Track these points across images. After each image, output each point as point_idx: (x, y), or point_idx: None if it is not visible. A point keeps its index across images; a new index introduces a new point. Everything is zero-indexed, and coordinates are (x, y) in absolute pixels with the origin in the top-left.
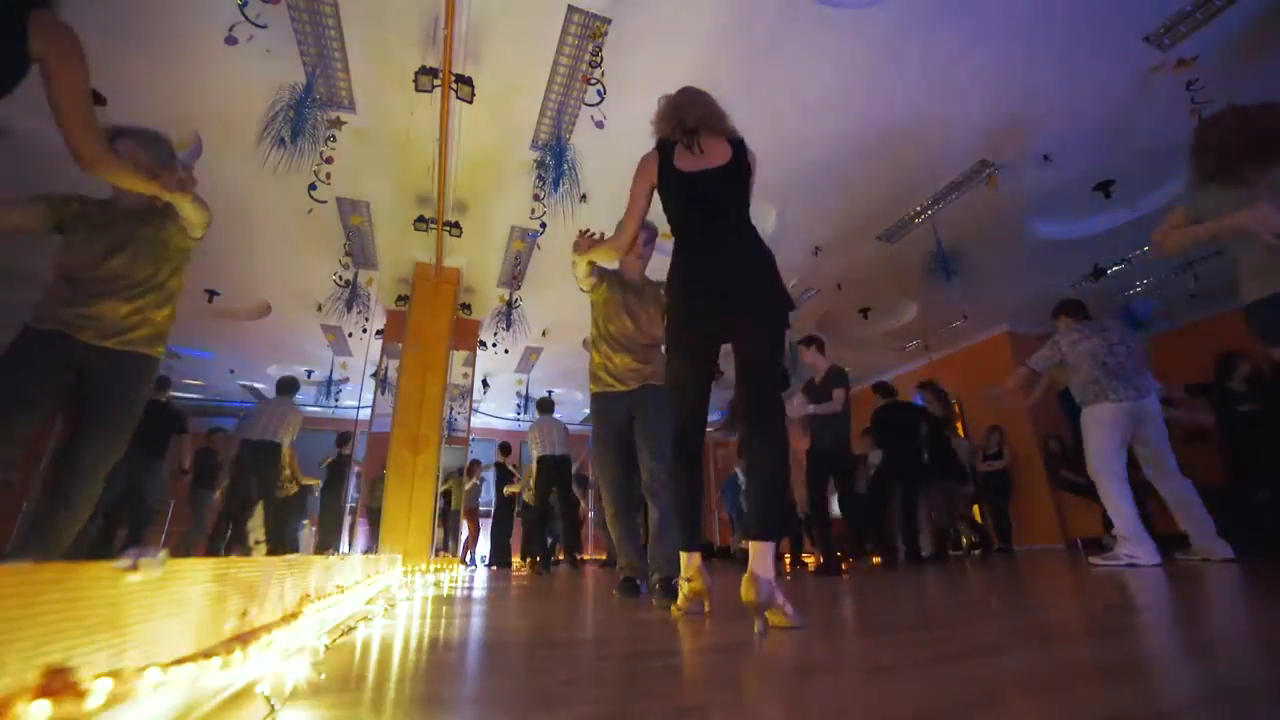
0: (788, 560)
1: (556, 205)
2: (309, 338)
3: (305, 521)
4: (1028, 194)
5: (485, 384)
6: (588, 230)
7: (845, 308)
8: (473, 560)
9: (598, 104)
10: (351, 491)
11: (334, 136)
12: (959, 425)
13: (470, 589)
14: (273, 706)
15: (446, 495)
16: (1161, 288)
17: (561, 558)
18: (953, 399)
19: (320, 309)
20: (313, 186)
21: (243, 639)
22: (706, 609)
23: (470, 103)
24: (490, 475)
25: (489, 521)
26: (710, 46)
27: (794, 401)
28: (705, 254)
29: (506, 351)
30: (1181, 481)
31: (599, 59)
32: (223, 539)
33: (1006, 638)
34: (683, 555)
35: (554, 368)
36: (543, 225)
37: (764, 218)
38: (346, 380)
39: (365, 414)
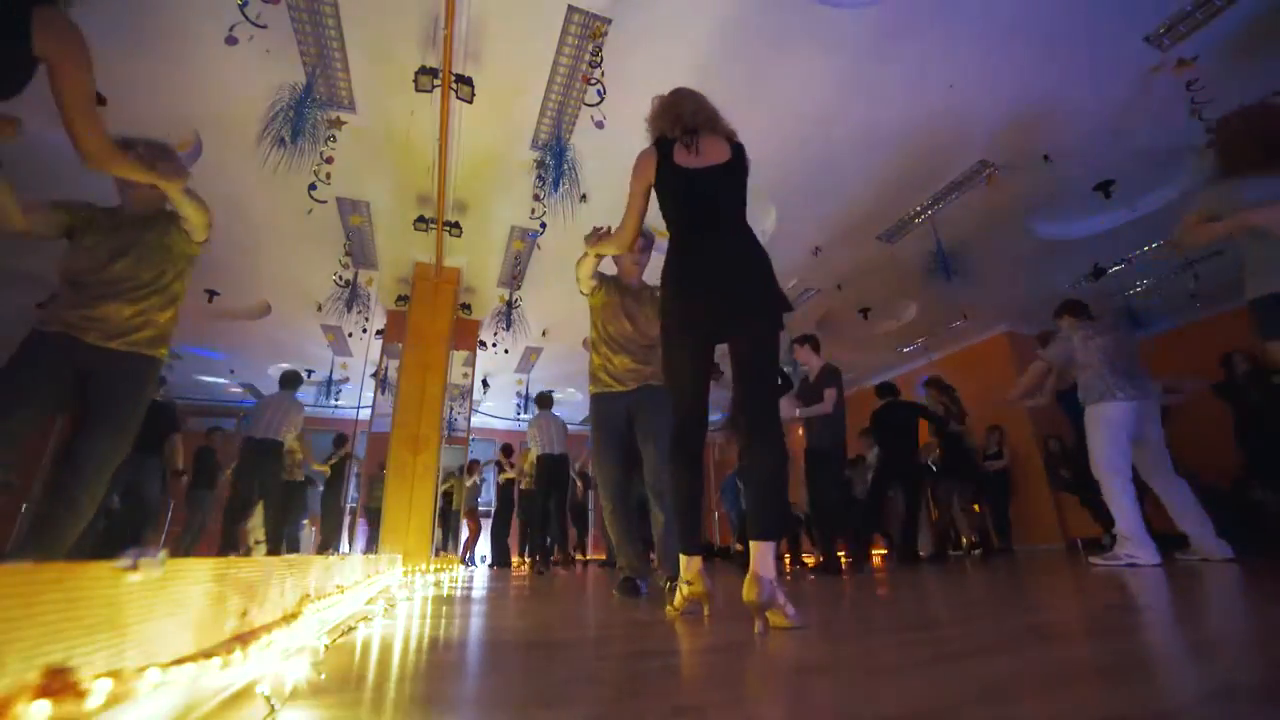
0: (787, 560)
1: (556, 205)
2: (309, 338)
3: (305, 521)
4: (1028, 194)
5: (485, 384)
6: (601, 227)
7: (845, 308)
8: (472, 560)
9: (598, 104)
10: (351, 491)
11: (334, 136)
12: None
13: (470, 589)
14: (273, 706)
15: (448, 495)
16: (1161, 288)
17: (557, 559)
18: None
19: (320, 309)
20: (313, 186)
21: (243, 639)
22: (706, 613)
23: (470, 103)
24: (491, 473)
25: (489, 521)
26: (710, 46)
27: (783, 403)
28: (704, 252)
29: (506, 351)
30: (1177, 482)
31: (599, 59)
32: (226, 538)
33: (1006, 638)
34: (682, 558)
35: (554, 368)
36: (543, 225)
37: (764, 217)
38: (346, 380)
39: (365, 414)
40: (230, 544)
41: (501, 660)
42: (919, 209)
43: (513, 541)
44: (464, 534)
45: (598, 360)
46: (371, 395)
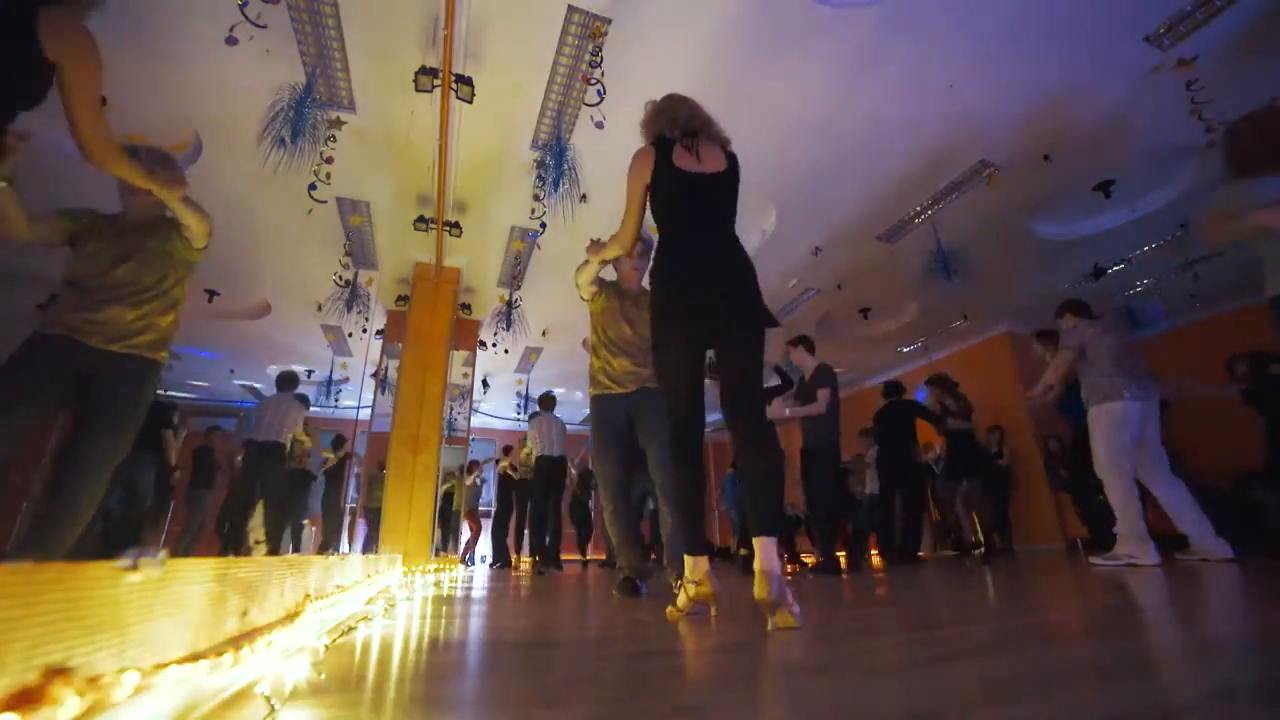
0: (785, 559)
1: (556, 205)
2: (309, 338)
3: (306, 521)
4: (1028, 194)
5: (485, 384)
6: (600, 239)
7: (845, 308)
8: (472, 559)
9: (598, 104)
10: (351, 491)
11: (334, 136)
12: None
13: (470, 589)
14: (273, 706)
15: (448, 496)
16: (1161, 288)
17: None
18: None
19: (320, 309)
20: (313, 186)
21: (243, 639)
22: (713, 613)
23: (470, 103)
24: (490, 471)
25: (489, 521)
26: (710, 46)
27: (774, 404)
28: (700, 257)
29: (506, 351)
30: (1175, 482)
31: (599, 59)
32: (223, 537)
33: (1006, 638)
34: (687, 559)
35: (554, 368)
36: (543, 225)
37: (764, 218)
38: (346, 380)
39: (365, 414)
40: (230, 544)
41: (501, 660)
42: (919, 209)
43: (510, 541)
44: (464, 534)
45: (598, 363)
46: (371, 395)
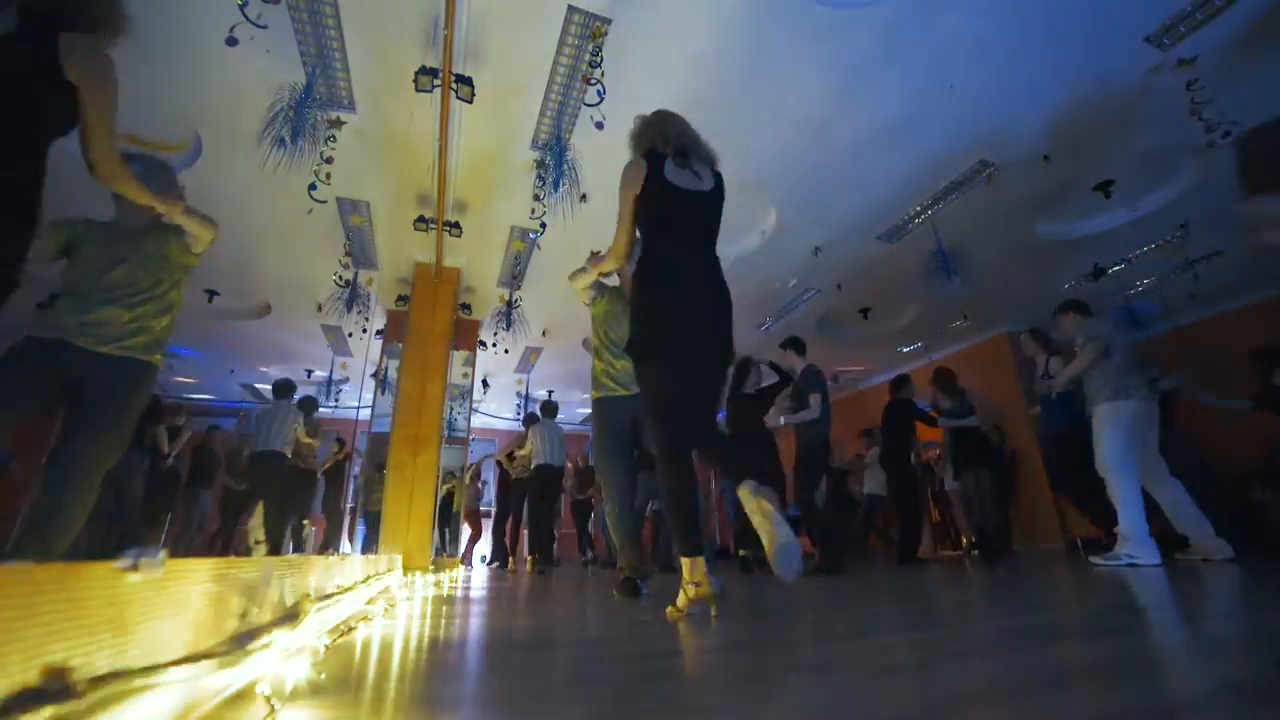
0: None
1: (556, 205)
2: (309, 338)
3: (306, 522)
4: (1028, 194)
5: (485, 384)
6: (599, 251)
7: (845, 308)
8: (472, 560)
9: (598, 104)
10: (352, 492)
11: (334, 136)
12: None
13: (470, 589)
14: (273, 706)
15: (449, 497)
16: (1161, 288)
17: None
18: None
19: (320, 309)
20: (313, 186)
21: (243, 639)
22: (714, 614)
23: (470, 103)
24: (490, 471)
25: (489, 522)
26: (710, 46)
27: (771, 412)
28: (690, 275)
29: (506, 351)
30: (1172, 483)
31: (599, 59)
32: (224, 539)
33: (1007, 637)
34: (684, 561)
35: (554, 368)
36: (543, 225)
37: (764, 217)
38: (346, 380)
39: (365, 414)
40: (227, 543)
41: (501, 660)
42: (919, 209)
43: (509, 541)
44: (464, 535)
45: (600, 365)
46: (371, 395)
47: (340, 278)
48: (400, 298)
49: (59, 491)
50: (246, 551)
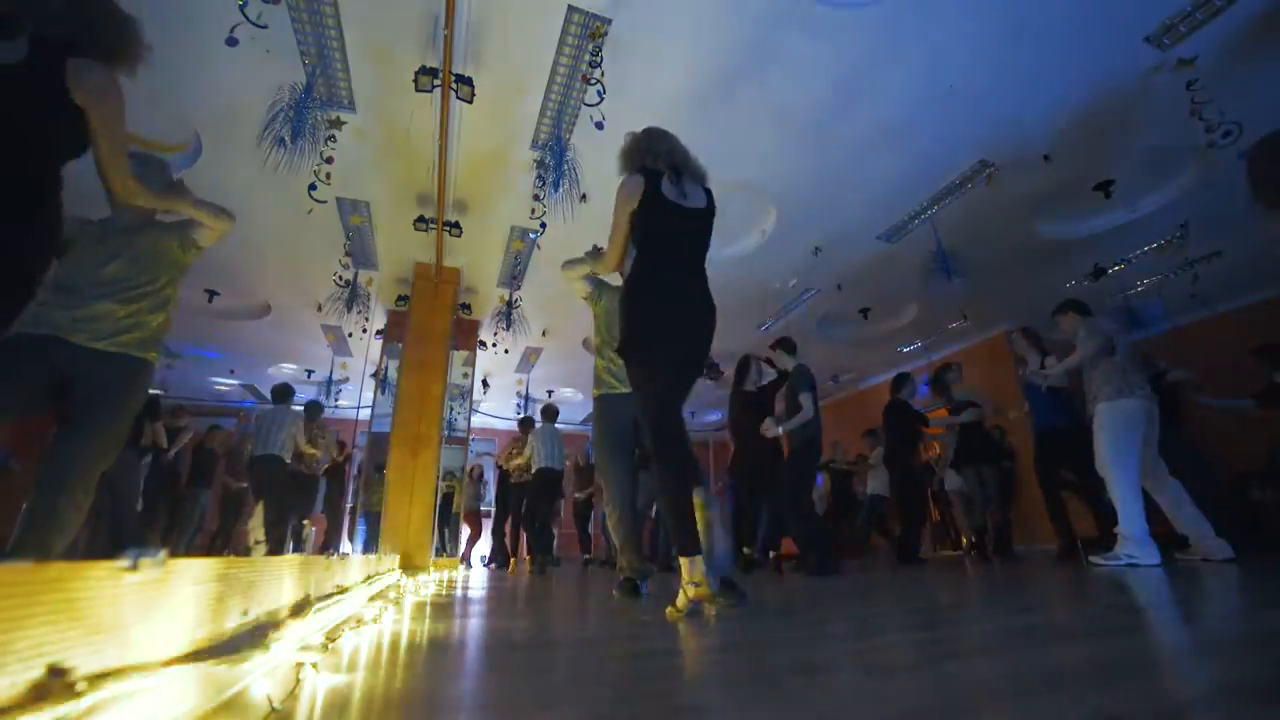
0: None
1: (556, 205)
2: (309, 338)
3: (306, 522)
4: (1028, 194)
5: (485, 384)
6: (602, 247)
7: (845, 308)
8: (471, 561)
9: (598, 104)
10: (352, 492)
11: (334, 136)
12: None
13: (470, 589)
14: (273, 706)
15: (448, 497)
16: (1161, 288)
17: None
18: (952, 387)
19: (320, 309)
20: (313, 186)
21: (243, 639)
22: (712, 614)
23: (470, 103)
24: (491, 468)
25: (489, 522)
26: (710, 46)
27: (766, 422)
28: (681, 288)
29: (506, 351)
30: (1172, 483)
31: (599, 59)
32: (223, 539)
33: (1006, 637)
34: (683, 561)
35: (554, 368)
36: (543, 225)
37: (764, 217)
38: (346, 380)
39: (365, 414)
40: (225, 543)
41: (501, 660)
42: (919, 209)
43: (508, 541)
44: (464, 535)
45: (602, 363)
46: (371, 395)
47: (340, 278)
48: (400, 298)
49: (54, 493)
50: (246, 551)
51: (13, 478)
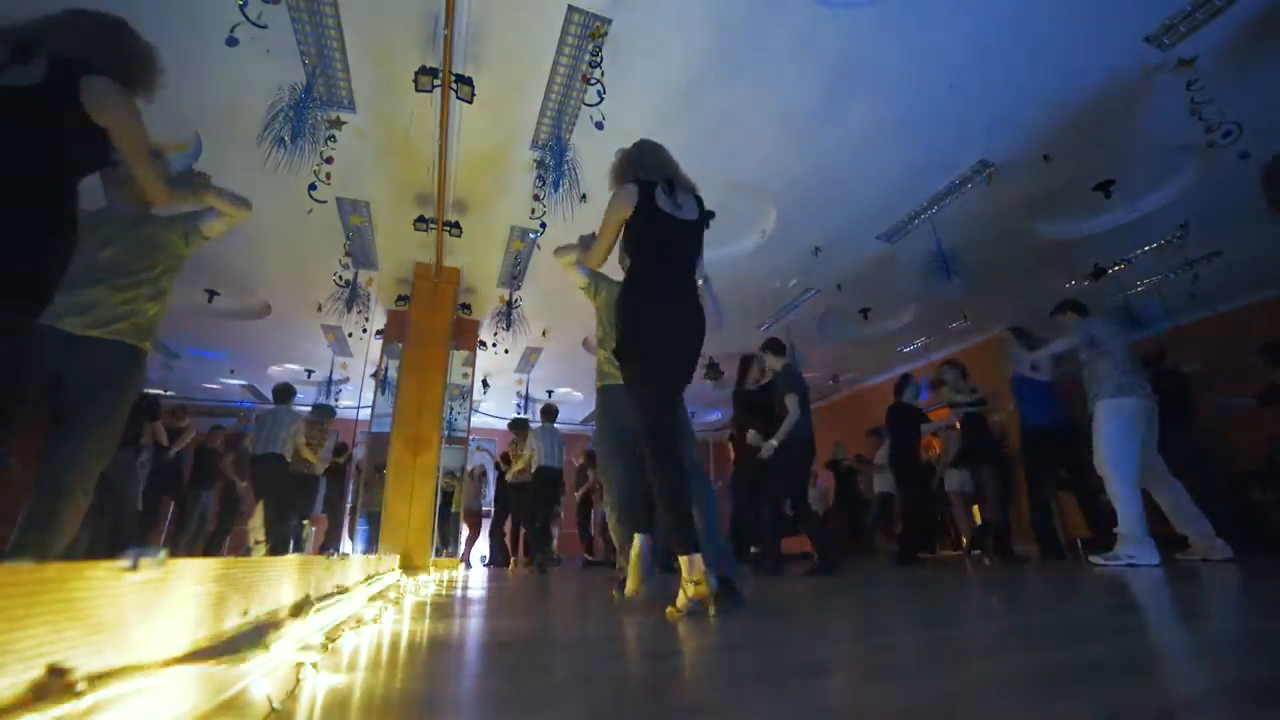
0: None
1: (556, 205)
2: (309, 338)
3: (306, 522)
4: (1028, 194)
5: (485, 384)
6: (592, 233)
7: (845, 308)
8: (469, 561)
9: (598, 104)
10: (352, 492)
11: (334, 136)
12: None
13: (470, 589)
14: (273, 706)
15: (447, 495)
16: (1161, 288)
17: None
18: (950, 385)
19: (320, 309)
20: (313, 186)
21: (243, 639)
22: (711, 613)
23: (470, 103)
24: (492, 467)
25: (488, 522)
26: (710, 46)
27: (750, 434)
28: (673, 297)
29: (506, 351)
30: (1173, 483)
31: (599, 59)
32: (219, 539)
33: (1006, 637)
34: (682, 559)
35: (554, 367)
36: (543, 225)
37: (764, 217)
38: (346, 380)
39: (365, 414)
40: (222, 543)
41: (501, 660)
42: (919, 209)
43: (508, 541)
44: (464, 535)
45: (604, 355)
46: (371, 395)
47: (340, 278)
48: (400, 298)
49: (54, 494)
50: (246, 551)
51: (11, 475)
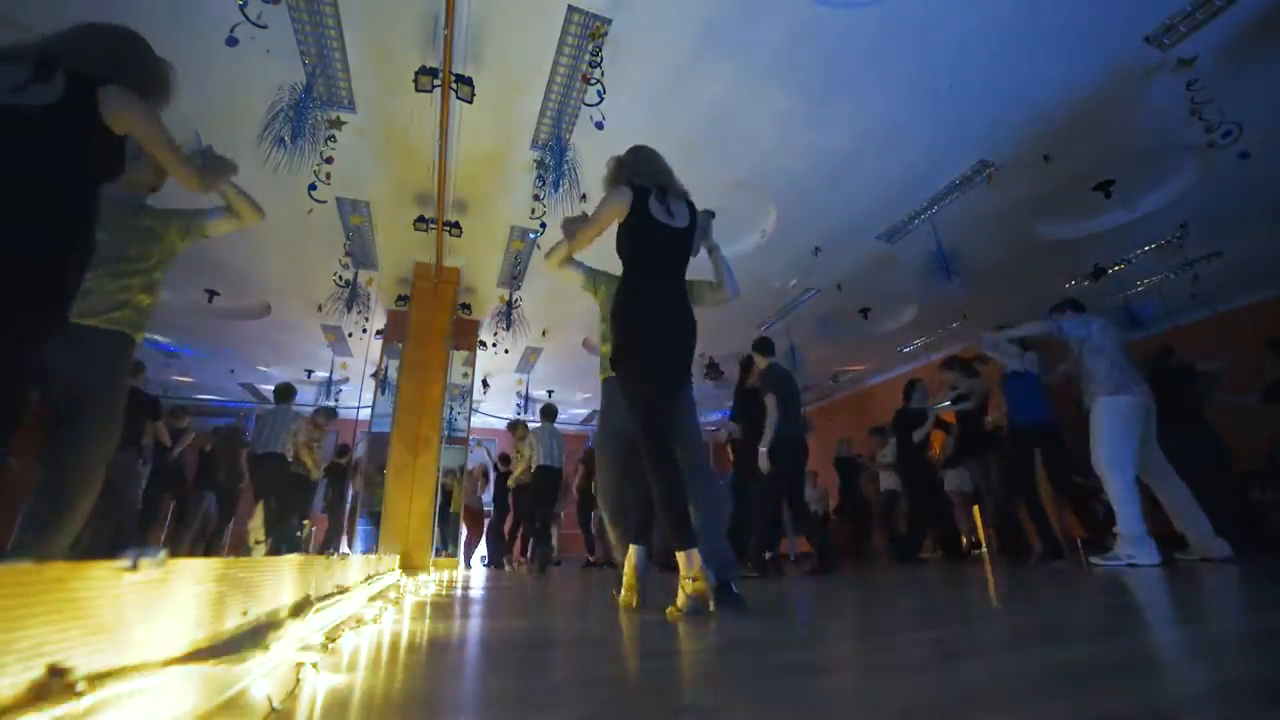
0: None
1: (556, 205)
2: (309, 338)
3: (306, 522)
4: (1028, 194)
5: (485, 384)
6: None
7: (845, 308)
8: (469, 561)
9: (598, 104)
10: (352, 492)
11: (334, 136)
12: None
13: (470, 589)
14: (273, 706)
15: (447, 494)
16: (1161, 288)
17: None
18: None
19: (320, 309)
20: (313, 186)
21: (243, 639)
22: (711, 608)
23: (470, 103)
24: (483, 457)
25: (488, 522)
26: (710, 46)
27: (726, 439)
28: (668, 308)
29: (506, 351)
30: (1175, 480)
31: (599, 59)
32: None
33: (1006, 637)
34: (680, 556)
35: (554, 368)
36: (543, 225)
37: (764, 217)
38: (346, 380)
39: (365, 414)
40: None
41: (501, 660)
42: (919, 209)
43: (508, 542)
44: (463, 535)
45: (606, 349)
46: (371, 395)
47: (340, 278)
48: (400, 298)
49: (59, 496)
50: (246, 551)
51: (11, 477)
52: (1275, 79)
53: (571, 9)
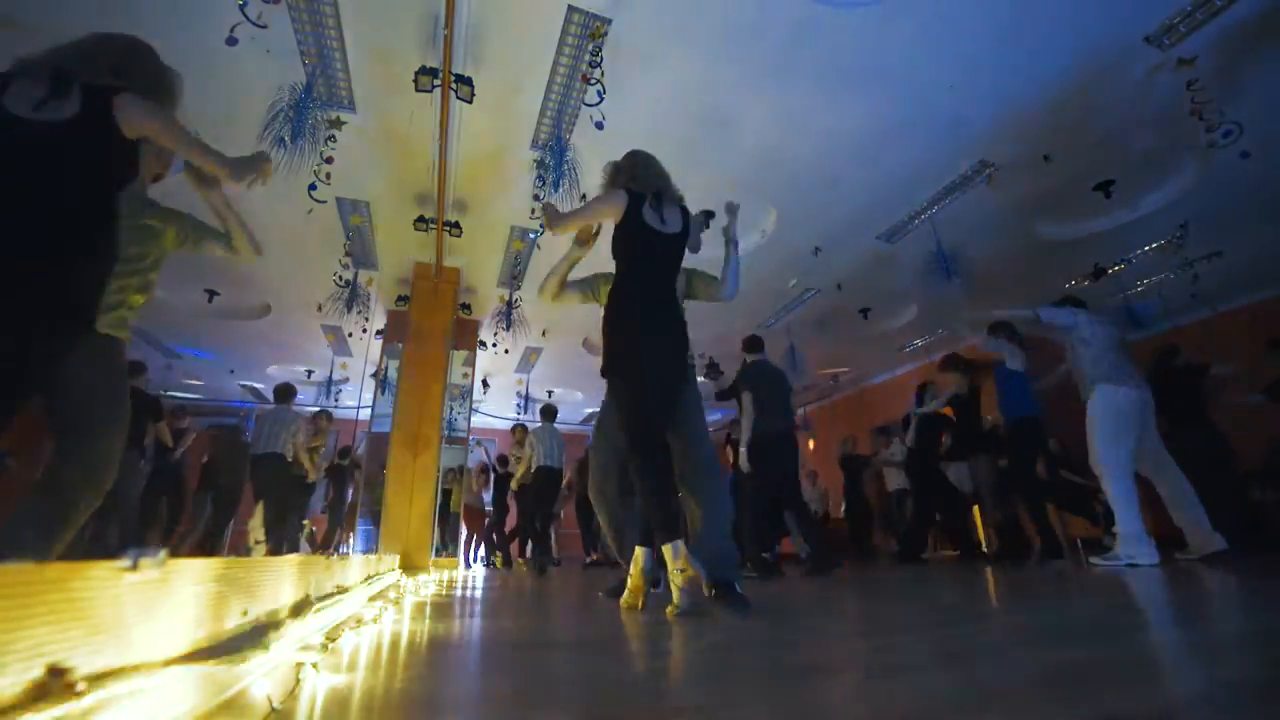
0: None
1: (556, 205)
2: (309, 338)
3: (306, 522)
4: (1028, 194)
5: (485, 384)
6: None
7: (845, 308)
8: (470, 560)
9: (598, 104)
10: (352, 492)
11: (334, 136)
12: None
13: (469, 589)
14: (273, 706)
15: (446, 494)
16: (1161, 287)
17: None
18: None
19: (320, 309)
20: (313, 186)
21: (243, 639)
22: (707, 594)
23: (470, 103)
24: (481, 456)
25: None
26: (710, 46)
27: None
28: (659, 315)
29: (506, 351)
30: (1178, 474)
31: (599, 59)
32: (220, 539)
33: (1006, 638)
34: (666, 549)
35: (554, 368)
36: (543, 225)
37: (764, 217)
38: (346, 380)
39: (365, 414)
40: (219, 542)
41: (501, 660)
42: (919, 209)
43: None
44: (463, 534)
45: None
46: (371, 395)
47: (340, 278)
48: (400, 298)
49: (64, 503)
50: (246, 551)
51: (11, 476)
52: (1275, 79)
53: (571, 9)
